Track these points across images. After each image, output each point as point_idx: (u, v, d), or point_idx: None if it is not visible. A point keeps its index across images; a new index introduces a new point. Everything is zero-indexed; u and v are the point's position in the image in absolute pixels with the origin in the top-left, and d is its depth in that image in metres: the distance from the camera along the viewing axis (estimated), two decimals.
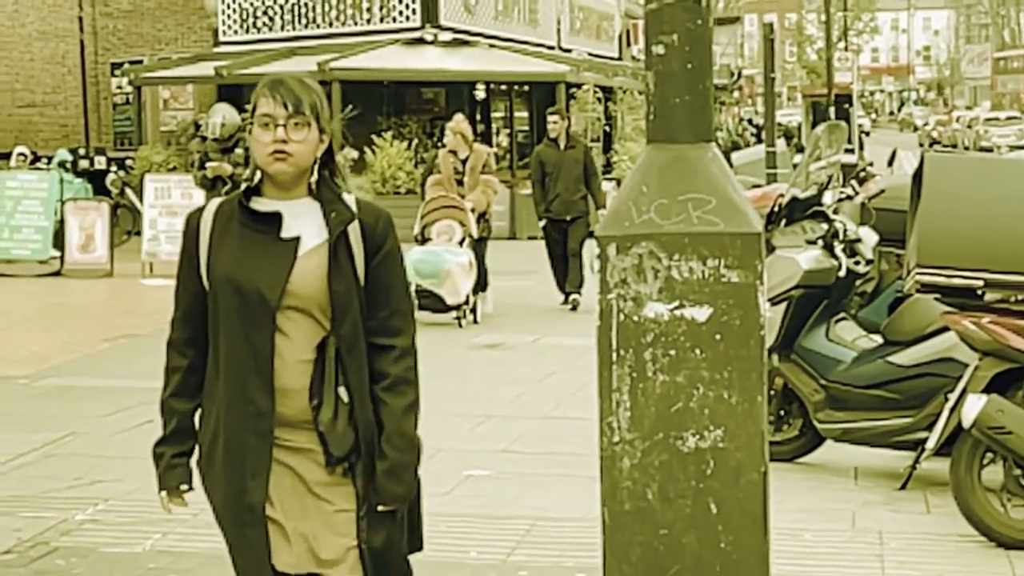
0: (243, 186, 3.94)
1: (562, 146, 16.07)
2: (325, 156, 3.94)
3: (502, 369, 12.10)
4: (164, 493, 3.95)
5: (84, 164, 26.91)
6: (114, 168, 26.43)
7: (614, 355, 4.31)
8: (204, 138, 15.53)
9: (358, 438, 3.87)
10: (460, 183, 14.93)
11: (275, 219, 3.86)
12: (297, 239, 3.84)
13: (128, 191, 24.38)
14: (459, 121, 15.43)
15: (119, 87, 33.05)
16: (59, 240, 20.12)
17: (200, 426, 3.96)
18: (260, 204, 3.90)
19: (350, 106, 3.88)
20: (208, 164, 15.44)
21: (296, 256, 3.82)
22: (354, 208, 3.91)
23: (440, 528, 7.00)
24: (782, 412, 8.47)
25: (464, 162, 15.00)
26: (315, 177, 3.90)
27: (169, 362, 3.98)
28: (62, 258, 19.98)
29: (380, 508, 3.91)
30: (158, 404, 3.99)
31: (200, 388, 3.94)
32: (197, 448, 3.96)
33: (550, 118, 16.34)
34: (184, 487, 3.94)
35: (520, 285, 15.68)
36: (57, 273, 19.77)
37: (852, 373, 8.13)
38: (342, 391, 3.85)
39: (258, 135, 3.85)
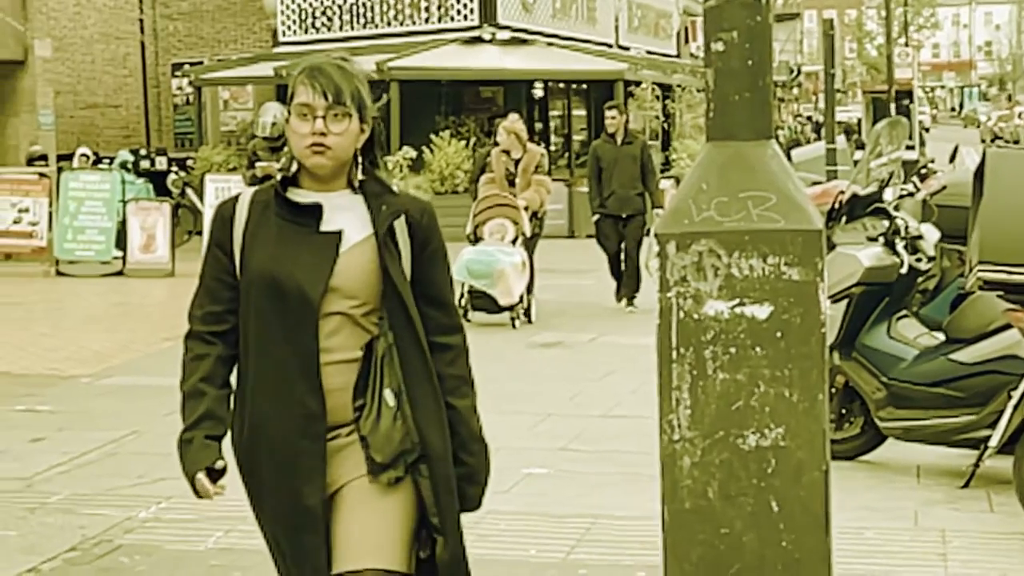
0: (278, 176, 3.76)
1: (619, 141, 15.83)
2: (367, 147, 3.75)
3: (561, 367, 12.10)
4: (201, 474, 3.64)
5: (145, 165, 27.11)
6: (175, 168, 26.62)
7: (674, 353, 4.30)
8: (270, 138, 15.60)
9: (409, 442, 3.70)
10: (512, 183, 14.79)
11: (315, 211, 3.67)
12: (339, 233, 3.65)
13: (189, 191, 24.55)
14: (513, 121, 15.30)
15: (179, 88, 33.32)
16: (121, 240, 20.28)
17: (242, 426, 3.73)
18: (298, 196, 3.72)
19: (385, 95, 3.72)
20: (257, 163, 15.51)
21: (338, 251, 3.64)
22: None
23: (500, 526, 7.01)
24: (843, 410, 8.42)
25: (517, 163, 14.87)
26: (358, 169, 3.72)
27: (191, 351, 3.74)
28: (124, 258, 20.14)
29: (460, 512, 3.84)
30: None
31: (228, 380, 3.74)
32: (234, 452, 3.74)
33: (608, 113, 16.13)
34: (220, 463, 3.64)
35: (578, 284, 15.67)
36: (119, 273, 19.93)
37: (914, 371, 8.08)
38: (387, 394, 3.67)
39: (296, 126, 3.67)
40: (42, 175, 21.22)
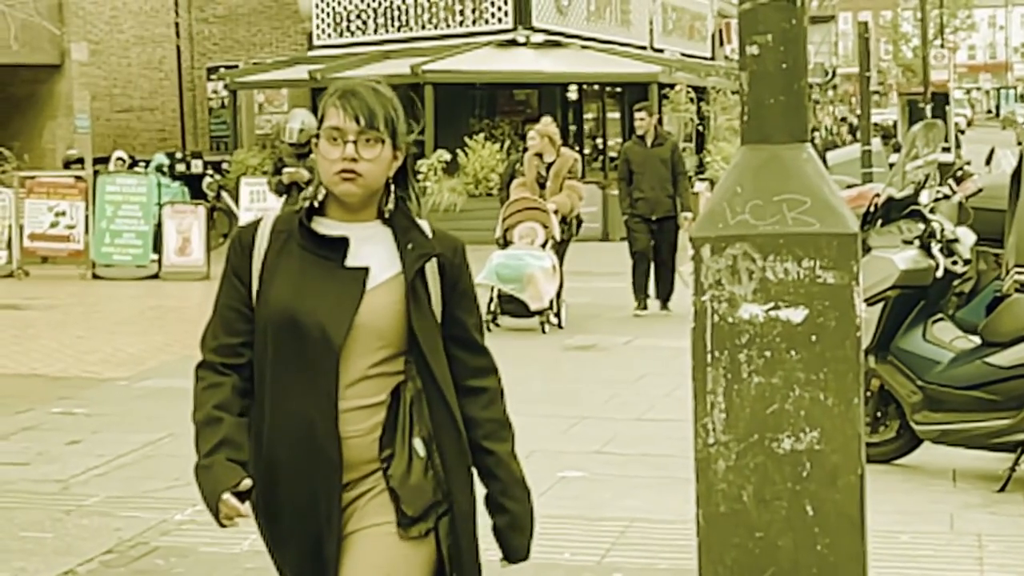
0: (303, 204, 3.53)
1: (649, 143, 15.62)
2: (399, 175, 3.53)
3: (595, 370, 12.09)
4: (227, 495, 3.31)
5: (181, 168, 27.25)
6: (210, 172, 26.74)
7: (709, 356, 4.30)
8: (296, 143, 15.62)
9: (440, 494, 3.49)
10: (543, 187, 14.64)
11: (341, 245, 3.45)
12: (366, 270, 3.43)
13: (224, 194, 24.66)
14: (546, 124, 15.13)
15: (215, 91, 33.46)
16: (156, 243, 20.38)
17: (260, 470, 3.46)
18: (324, 226, 3.49)
19: (418, 123, 3.52)
20: (284, 169, 15.52)
21: (364, 289, 3.42)
22: (429, 235, 3.54)
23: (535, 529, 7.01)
24: (879, 413, 8.40)
25: (550, 167, 14.71)
26: (389, 199, 3.50)
27: (203, 380, 3.48)
28: (159, 261, 20.24)
29: (506, 565, 3.73)
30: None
31: (244, 411, 3.47)
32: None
33: (637, 114, 15.94)
34: (247, 482, 3.34)
35: (613, 287, 15.65)
36: (155, 276, 20.03)
37: (950, 374, 8.05)
38: (417, 443, 3.44)
39: (325, 150, 3.44)
40: (79, 179, 21.35)
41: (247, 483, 3.34)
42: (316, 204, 3.50)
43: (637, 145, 15.80)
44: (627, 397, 10.65)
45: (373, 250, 3.47)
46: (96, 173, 21.78)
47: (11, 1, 25.10)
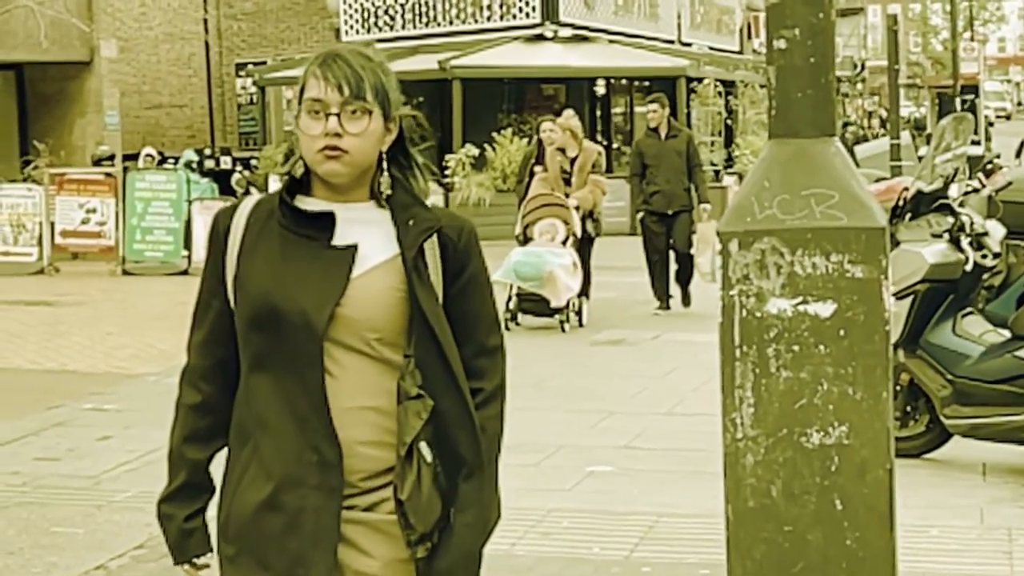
0: (283, 179, 3.15)
1: (663, 136, 15.28)
2: (395, 150, 3.11)
3: (623, 365, 12.09)
4: (187, 566, 3.13)
5: (210, 164, 27.33)
6: (239, 168, 26.80)
7: (737, 351, 4.30)
8: None
9: (448, 507, 3.07)
10: (568, 182, 14.38)
11: (326, 221, 3.04)
12: (353, 248, 3.02)
13: (253, 190, 24.67)
14: (568, 117, 14.80)
15: (243, 88, 33.57)
16: (186, 239, 20.46)
17: (226, 474, 3.11)
18: (308, 204, 3.08)
19: (416, 100, 2.90)
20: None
21: (351, 269, 3.01)
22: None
23: (563, 524, 7.03)
24: (908, 408, 8.38)
25: (573, 161, 14.45)
26: (383, 177, 3.07)
27: (179, 397, 3.16)
28: (189, 257, 20.31)
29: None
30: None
31: (216, 432, 3.12)
32: (220, 504, 3.12)
33: (649, 107, 15.56)
34: (204, 559, 3.13)
35: (640, 281, 15.63)
36: (184, 272, 20.11)
37: (980, 368, 8.02)
38: (424, 448, 3.00)
39: (306, 126, 3.01)
40: (109, 175, 21.45)
41: (203, 560, 3.13)
42: (297, 177, 3.09)
43: (651, 138, 15.48)
44: (655, 392, 10.65)
45: (366, 231, 3.05)
46: (126, 170, 21.87)
47: None
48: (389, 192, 3.07)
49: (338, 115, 2.98)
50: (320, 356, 2.98)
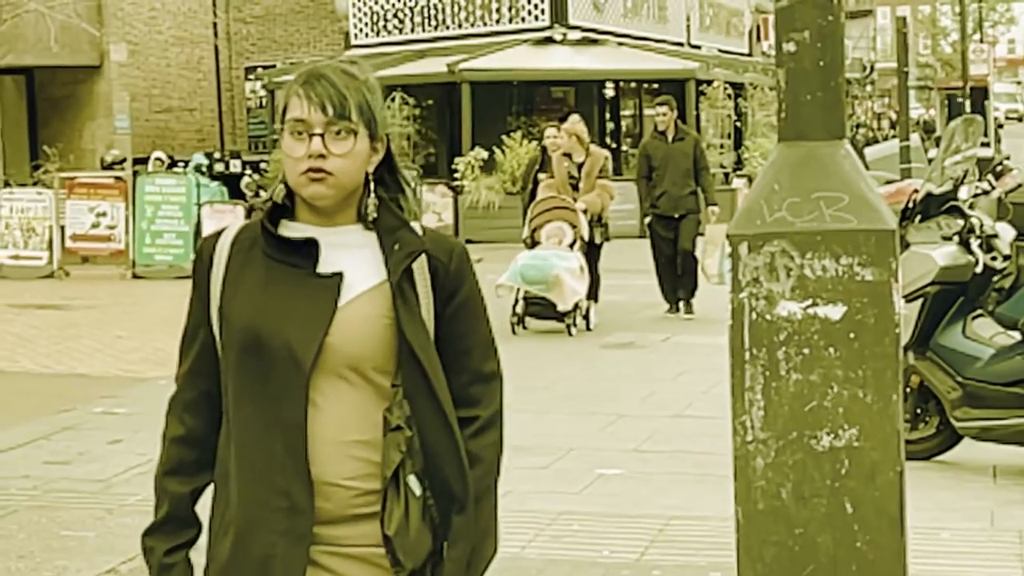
0: (267, 205, 3.02)
1: (670, 139, 15.19)
2: (382, 170, 2.98)
3: (633, 368, 12.09)
4: None
5: (219, 168, 27.39)
6: (248, 171, 26.85)
7: (747, 354, 4.30)
8: None
9: (439, 542, 2.94)
10: (575, 188, 14.29)
11: (310, 248, 2.91)
12: (339, 276, 2.90)
13: (263, 194, 24.72)
14: (574, 122, 14.72)
15: (253, 91, 33.64)
16: (196, 243, 20.47)
17: (212, 515, 3.02)
18: (292, 230, 2.96)
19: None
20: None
21: (338, 298, 2.89)
22: (420, 236, 2.98)
23: (573, 527, 7.03)
24: (918, 410, 8.37)
25: (580, 166, 14.39)
26: (370, 199, 2.95)
27: (166, 426, 3.10)
28: None
29: None
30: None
31: (202, 466, 3.03)
32: (208, 543, 3.04)
33: (658, 109, 15.46)
34: None
35: (650, 284, 15.63)
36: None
37: (990, 370, 8.02)
38: (412, 481, 2.88)
39: (289, 147, 2.90)
40: (119, 179, 21.49)
41: None
42: (281, 203, 2.97)
43: (658, 140, 15.41)
44: (665, 394, 10.65)
45: (352, 256, 2.93)
46: (135, 174, 21.90)
47: (51, 3, 25.27)
48: (375, 215, 2.95)
49: (322, 136, 2.87)
50: (304, 392, 2.87)
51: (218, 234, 3.03)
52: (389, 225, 2.95)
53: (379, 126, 2.94)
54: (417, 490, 2.89)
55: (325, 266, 2.91)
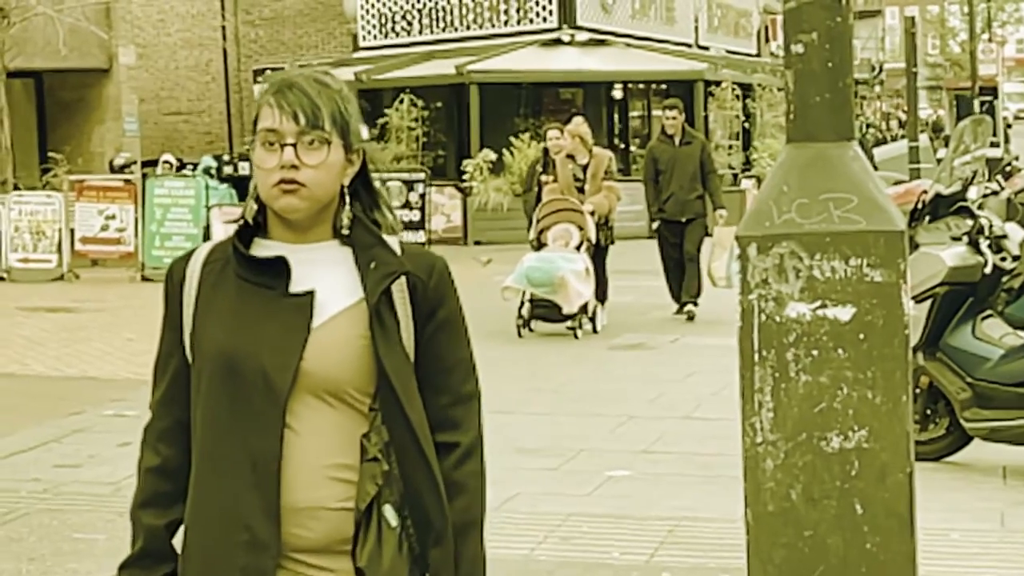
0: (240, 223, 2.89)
1: (677, 142, 15.12)
2: (357, 184, 2.87)
3: (642, 369, 12.08)
4: None
5: (228, 170, 27.39)
6: None
7: (756, 355, 4.30)
8: None
9: (417, 574, 2.82)
10: (580, 190, 14.24)
11: (280, 267, 2.79)
12: (311, 295, 2.78)
13: None
14: (577, 124, 14.63)
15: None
16: None
17: (182, 550, 2.89)
18: (265, 249, 2.84)
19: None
20: None
21: (311, 320, 2.77)
22: (398, 253, 2.85)
23: (582, 529, 7.03)
24: (928, 411, 8.36)
25: (584, 168, 14.34)
26: (345, 212, 2.84)
27: (141, 456, 2.98)
28: None
29: None
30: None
31: (177, 498, 2.88)
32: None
33: (668, 112, 15.35)
34: None
35: (659, 285, 15.62)
36: None
37: (1000, 371, 8.01)
38: (388, 512, 2.76)
39: (260, 159, 2.79)
40: (128, 182, 21.52)
41: None
42: (251, 222, 2.85)
43: (664, 143, 15.32)
44: (674, 396, 10.65)
45: (328, 274, 2.81)
46: (144, 176, 21.92)
47: (59, 6, 25.31)
48: (348, 230, 2.83)
49: (294, 146, 2.76)
50: (279, 421, 2.75)
51: (189, 255, 2.92)
52: (364, 242, 2.83)
53: (353, 136, 2.83)
54: (393, 521, 2.77)
55: (298, 285, 2.79)
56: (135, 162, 23.11)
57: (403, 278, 2.81)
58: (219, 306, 2.81)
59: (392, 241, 2.86)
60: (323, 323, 2.77)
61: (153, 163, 25.30)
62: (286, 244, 2.82)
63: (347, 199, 2.84)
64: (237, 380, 2.76)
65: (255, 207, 2.84)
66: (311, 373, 2.75)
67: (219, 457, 2.77)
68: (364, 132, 2.94)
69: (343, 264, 2.82)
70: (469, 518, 2.85)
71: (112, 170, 24.82)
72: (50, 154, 25.61)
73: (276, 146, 2.77)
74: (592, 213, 14.06)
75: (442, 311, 2.86)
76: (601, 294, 14.28)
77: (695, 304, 14.88)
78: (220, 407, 2.77)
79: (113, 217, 20.92)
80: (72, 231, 20.91)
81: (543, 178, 14.80)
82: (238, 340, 2.76)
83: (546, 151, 15.14)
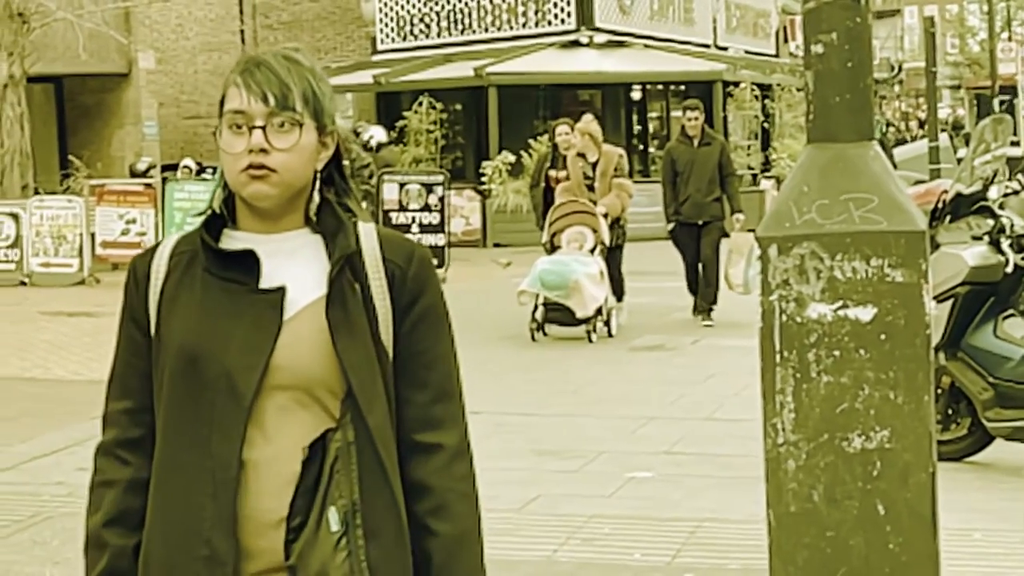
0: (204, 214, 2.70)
1: (696, 143, 14.91)
2: (331, 168, 2.68)
3: (663, 370, 12.07)
4: None
5: None
6: None
7: (777, 356, 4.30)
8: (367, 147, 15.64)
9: None
10: (591, 188, 14.16)
11: (249, 261, 2.59)
12: (282, 291, 2.58)
13: None
14: (588, 122, 14.52)
15: None
16: None
17: (140, 566, 2.63)
18: (232, 241, 2.64)
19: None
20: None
21: (281, 318, 2.56)
22: (373, 240, 2.65)
23: (604, 530, 7.03)
24: (950, 411, 8.35)
25: (594, 166, 14.25)
26: (314, 197, 2.65)
27: (100, 474, 2.69)
28: None
29: None
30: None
31: (144, 513, 2.64)
32: None
33: (689, 113, 15.09)
34: None
35: (679, 286, 15.61)
36: None
37: (1021, 370, 7.99)
38: (331, 514, 2.52)
39: (228, 143, 2.58)
40: (148, 186, 21.58)
41: None
42: (219, 211, 2.66)
43: (683, 144, 15.08)
44: (695, 397, 10.64)
45: (299, 266, 2.61)
46: (164, 180, 21.98)
47: (79, 11, 25.40)
48: (315, 216, 2.64)
49: (263, 128, 2.55)
50: (242, 427, 2.53)
51: (152, 249, 2.71)
52: (330, 229, 2.63)
53: (326, 118, 2.62)
54: (335, 525, 2.52)
55: (269, 280, 2.59)
56: (155, 166, 23.14)
57: (380, 265, 2.61)
58: (184, 303, 2.61)
59: (368, 228, 2.67)
60: (292, 317, 2.57)
61: (173, 167, 25.35)
62: (256, 234, 2.63)
63: (318, 184, 2.65)
64: (200, 382, 2.56)
65: (223, 195, 2.65)
66: (281, 371, 2.54)
67: (180, 465, 2.57)
68: (339, 119, 2.72)
69: (314, 254, 2.62)
70: (462, 530, 2.62)
71: (134, 175, 24.89)
72: (70, 159, 25.70)
73: (244, 129, 2.56)
74: (605, 215, 13.97)
75: (422, 301, 2.64)
76: (617, 292, 14.21)
77: (711, 311, 14.70)
78: (182, 411, 2.57)
79: (134, 221, 20.98)
80: (93, 235, 20.98)
81: (551, 173, 14.78)
82: (203, 339, 2.56)
83: (555, 146, 15.10)
